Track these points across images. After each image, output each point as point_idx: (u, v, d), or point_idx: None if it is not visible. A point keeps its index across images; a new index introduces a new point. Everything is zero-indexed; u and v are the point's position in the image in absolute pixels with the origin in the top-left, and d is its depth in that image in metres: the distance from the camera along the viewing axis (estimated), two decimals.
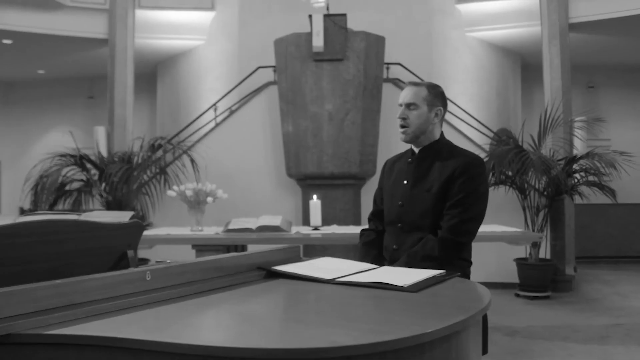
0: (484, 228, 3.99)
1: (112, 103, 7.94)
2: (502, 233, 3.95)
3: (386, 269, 1.89)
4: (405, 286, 1.54)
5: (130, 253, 1.98)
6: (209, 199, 4.14)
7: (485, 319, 2.15)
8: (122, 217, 2.11)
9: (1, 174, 11.47)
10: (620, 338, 4.35)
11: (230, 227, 4.05)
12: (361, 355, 1.02)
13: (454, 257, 2.17)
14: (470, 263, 2.27)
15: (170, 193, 4.26)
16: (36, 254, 1.61)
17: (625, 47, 8.94)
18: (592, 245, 9.19)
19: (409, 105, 2.27)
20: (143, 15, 8.44)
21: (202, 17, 8.79)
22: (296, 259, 2.00)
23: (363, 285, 1.59)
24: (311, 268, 1.80)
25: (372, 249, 2.36)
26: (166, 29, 8.82)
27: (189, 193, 4.13)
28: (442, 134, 2.33)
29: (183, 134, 7.55)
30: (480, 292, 1.52)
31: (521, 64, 9.71)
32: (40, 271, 1.56)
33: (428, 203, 2.22)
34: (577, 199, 6.84)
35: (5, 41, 8.45)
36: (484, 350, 2.16)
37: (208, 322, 1.30)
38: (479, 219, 2.19)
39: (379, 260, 2.30)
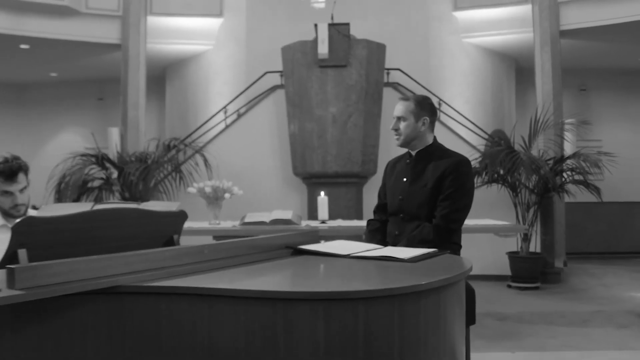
0: (476, 221, 4.43)
1: (125, 105, 8.34)
2: (492, 225, 4.37)
3: (390, 248, 2.31)
4: (406, 259, 1.96)
5: (176, 237, 2.39)
6: (227, 195, 4.56)
7: (473, 294, 2.58)
8: (171, 207, 2.52)
9: None
10: (600, 322, 4.78)
11: (246, 220, 4.47)
12: (374, 297, 1.44)
13: (446, 241, 2.58)
14: (460, 246, 2.68)
15: (190, 190, 4.68)
16: (107, 235, 2.01)
17: (615, 52, 9.35)
18: (583, 242, 9.63)
19: (399, 118, 2.69)
20: (154, 21, 8.83)
21: (210, 23, 9.19)
22: (315, 241, 2.41)
23: (373, 258, 2.01)
24: (329, 247, 2.22)
25: (377, 235, 2.78)
26: (176, 34, 9.20)
27: (208, 190, 4.55)
28: (434, 138, 2.75)
29: (194, 135, 7.97)
30: (463, 262, 1.94)
31: (515, 67, 10.11)
32: (107, 250, 1.96)
33: (424, 197, 2.64)
34: (570, 198, 7.26)
35: (23, 46, 8.82)
36: (472, 321, 2.59)
37: (260, 280, 1.72)
38: (466, 210, 2.62)
39: (383, 244, 2.71)
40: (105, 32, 8.61)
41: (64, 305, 1.50)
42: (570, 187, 6.67)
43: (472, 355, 3.42)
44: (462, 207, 2.62)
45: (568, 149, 7.56)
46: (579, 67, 10.01)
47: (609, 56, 9.67)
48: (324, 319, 1.42)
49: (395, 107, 2.74)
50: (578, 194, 7.00)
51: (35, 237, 1.84)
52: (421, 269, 1.82)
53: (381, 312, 1.45)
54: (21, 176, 2.37)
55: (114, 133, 8.27)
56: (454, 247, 2.62)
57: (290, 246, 2.23)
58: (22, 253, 1.82)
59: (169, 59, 9.80)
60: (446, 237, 2.58)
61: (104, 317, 1.53)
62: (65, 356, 1.52)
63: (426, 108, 2.71)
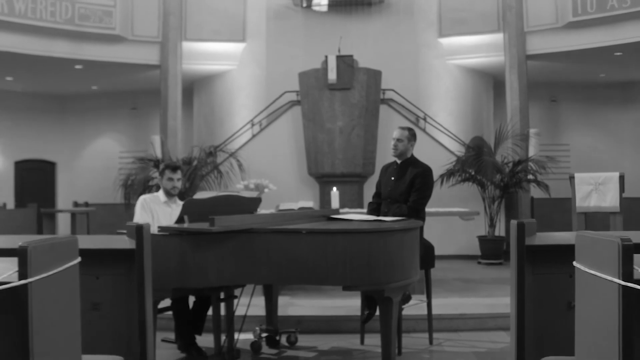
0: (444, 209, 6.15)
1: (165, 117, 10.03)
2: (456, 211, 6.10)
3: (381, 217, 4.04)
4: (388, 221, 3.67)
5: (255, 213, 4.10)
6: (266, 190, 6.27)
7: (432, 248, 4.30)
8: (252, 194, 4.25)
9: (57, 174, 13.54)
10: None
11: (280, 208, 6.18)
12: (372, 231, 3.14)
13: (415, 216, 4.29)
14: (424, 219, 4.40)
15: (238, 186, 6.40)
16: (224, 208, 3.72)
17: (580, 70, 10.96)
18: (551, 231, 11.32)
19: (398, 139, 4.39)
20: (187, 45, 10.50)
21: (234, 47, 10.86)
22: (337, 214, 4.14)
23: (371, 220, 3.73)
24: (347, 216, 3.95)
25: (374, 213, 4.50)
26: (205, 55, 10.85)
27: (252, 186, 6.26)
28: (412, 154, 4.46)
29: (225, 142, 9.69)
30: (417, 223, 3.66)
31: (493, 84, 11.79)
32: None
33: (403, 189, 4.36)
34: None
35: (77, 67, 10.49)
36: (432, 265, 4.33)
37: (316, 226, 3.43)
38: (427, 198, 4.33)
39: (377, 216, 4.42)
40: (147, 55, 10.27)
41: (225, 238, 3.20)
42: (525, 184, 8.39)
43: (439, 300, 5.15)
44: (425, 196, 4.34)
45: (532, 153, 9.26)
46: (549, 81, 11.68)
47: (574, 73, 11.32)
48: (349, 243, 3.12)
49: (395, 132, 4.40)
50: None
51: (192, 209, 3.57)
52: (395, 224, 3.54)
53: (374, 239, 3.15)
54: (179, 172, 4.14)
55: (157, 141, 9.95)
56: (420, 220, 4.34)
57: (325, 215, 3.95)
58: (186, 218, 3.56)
59: (198, 76, 11.45)
60: (415, 214, 4.29)
61: (244, 244, 3.23)
62: (223, 263, 3.21)
63: (414, 136, 4.43)
